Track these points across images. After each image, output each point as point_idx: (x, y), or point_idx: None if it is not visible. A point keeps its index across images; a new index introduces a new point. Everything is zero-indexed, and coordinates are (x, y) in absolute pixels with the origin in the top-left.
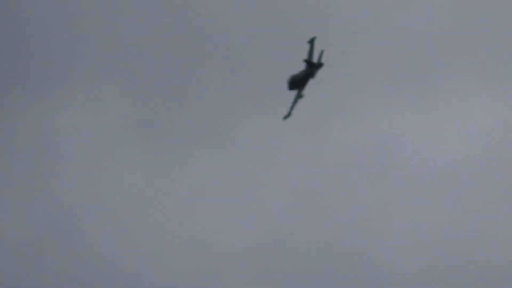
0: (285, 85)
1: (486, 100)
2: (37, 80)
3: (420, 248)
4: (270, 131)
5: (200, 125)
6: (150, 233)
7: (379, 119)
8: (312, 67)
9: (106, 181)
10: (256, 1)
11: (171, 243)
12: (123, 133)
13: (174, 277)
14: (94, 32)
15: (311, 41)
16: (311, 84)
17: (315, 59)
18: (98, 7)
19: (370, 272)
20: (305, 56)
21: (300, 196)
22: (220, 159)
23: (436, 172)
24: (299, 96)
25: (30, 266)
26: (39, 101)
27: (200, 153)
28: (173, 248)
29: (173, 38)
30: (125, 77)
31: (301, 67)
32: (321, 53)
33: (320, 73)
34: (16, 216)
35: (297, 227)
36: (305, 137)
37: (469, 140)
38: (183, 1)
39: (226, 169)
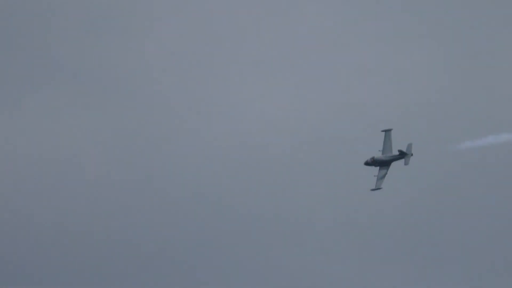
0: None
1: None
2: None
3: None
4: None
5: None
6: None
7: None
8: (404, 155)
9: None
10: None
11: None
12: None
13: None
14: None
15: (387, 131)
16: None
17: (405, 149)
18: None
19: None
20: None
21: None
22: None
23: None
24: (385, 173)
25: None
26: None
27: None
28: None
29: None
30: None
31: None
32: (410, 145)
33: None
34: None
35: None
36: None
37: None
38: None
39: None
